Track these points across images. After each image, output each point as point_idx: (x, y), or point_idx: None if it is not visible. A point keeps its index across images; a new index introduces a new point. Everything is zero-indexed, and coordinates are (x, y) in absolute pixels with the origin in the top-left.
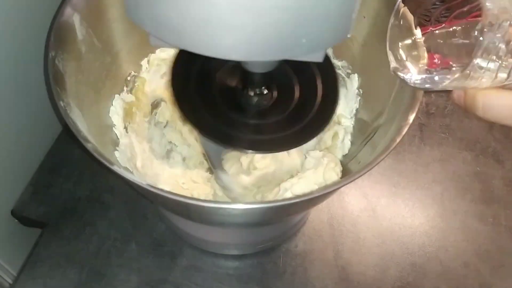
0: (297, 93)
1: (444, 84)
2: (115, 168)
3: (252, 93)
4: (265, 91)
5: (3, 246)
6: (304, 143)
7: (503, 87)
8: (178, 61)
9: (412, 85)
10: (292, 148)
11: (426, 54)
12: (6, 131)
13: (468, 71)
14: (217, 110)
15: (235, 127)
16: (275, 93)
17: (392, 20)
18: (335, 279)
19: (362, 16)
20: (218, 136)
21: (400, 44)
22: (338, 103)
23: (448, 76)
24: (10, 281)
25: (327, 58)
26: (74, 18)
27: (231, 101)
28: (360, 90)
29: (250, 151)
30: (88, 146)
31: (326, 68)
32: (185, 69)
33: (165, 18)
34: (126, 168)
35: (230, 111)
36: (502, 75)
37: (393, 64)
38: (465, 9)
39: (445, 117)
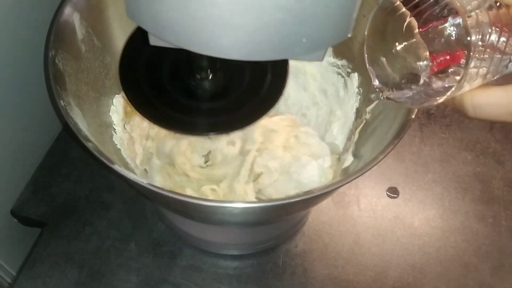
0: (247, 76)
1: (442, 94)
2: (115, 167)
3: (202, 78)
4: (214, 75)
5: (2, 245)
6: (260, 118)
7: (487, 84)
8: (125, 53)
9: (407, 103)
10: (247, 126)
11: (428, 54)
12: (6, 131)
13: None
14: (169, 98)
15: (190, 113)
16: (225, 77)
17: (370, 29)
18: (335, 279)
19: (362, 15)
20: (175, 125)
21: (393, 50)
22: (287, 81)
23: (445, 84)
24: (9, 280)
25: None
26: (74, 17)
27: (182, 88)
28: (360, 89)
29: (211, 133)
30: (89, 146)
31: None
32: (133, 59)
33: (165, 17)
34: (126, 167)
35: (182, 98)
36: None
37: (376, 82)
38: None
39: (445, 117)
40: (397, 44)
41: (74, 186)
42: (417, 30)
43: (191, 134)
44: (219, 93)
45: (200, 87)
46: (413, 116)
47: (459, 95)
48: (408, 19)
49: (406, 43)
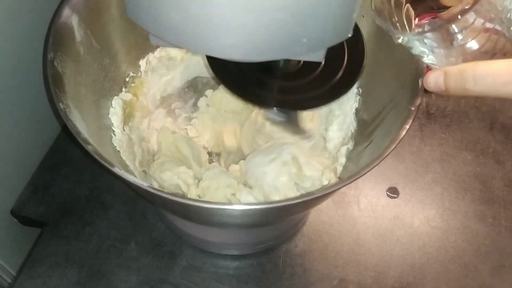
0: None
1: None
2: (115, 170)
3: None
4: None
5: (2, 245)
6: (326, 103)
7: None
8: None
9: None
10: (314, 108)
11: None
12: (6, 131)
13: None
14: (248, 72)
15: (263, 87)
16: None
17: None
18: (335, 279)
19: (361, 16)
20: (248, 95)
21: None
22: (363, 69)
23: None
24: (9, 280)
25: (356, 29)
26: (73, 19)
27: (260, 64)
28: (360, 89)
29: (276, 108)
30: (88, 148)
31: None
32: None
33: (166, 17)
34: (126, 169)
35: (259, 73)
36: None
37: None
38: None
39: (445, 117)
40: None
41: (74, 186)
42: None
43: (259, 106)
44: (294, 73)
45: (277, 66)
46: (413, 116)
47: (458, 67)
48: None
49: None
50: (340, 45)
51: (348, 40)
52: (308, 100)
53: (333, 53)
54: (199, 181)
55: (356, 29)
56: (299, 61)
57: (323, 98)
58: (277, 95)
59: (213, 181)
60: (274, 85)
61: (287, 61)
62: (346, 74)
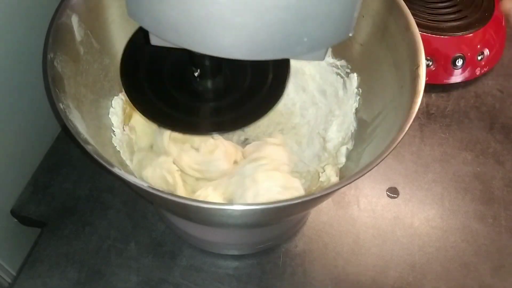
0: (248, 76)
1: None
2: (115, 170)
3: (204, 77)
4: (216, 75)
5: (2, 245)
6: (260, 118)
7: None
8: (126, 54)
9: None
10: (249, 125)
11: None
12: (5, 131)
13: None
14: (171, 98)
15: (193, 113)
16: (227, 76)
17: None
18: (335, 279)
19: (361, 15)
20: (180, 125)
21: None
22: (288, 82)
23: None
24: (9, 280)
25: None
26: (73, 19)
27: (183, 88)
28: (360, 89)
29: (215, 133)
30: (88, 148)
31: None
32: (134, 60)
33: (167, 16)
34: (125, 169)
35: (185, 98)
36: None
37: None
38: None
39: (445, 117)
40: None
41: (74, 186)
42: None
43: (194, 134)
44: (221, 93)
45: (202, 87)
46: (413, 116)
47: None
48: None
49: None
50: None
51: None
52: (243, 117)
53: (257, 69)
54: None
55: None
56: (223, 80)
57: (258, 112)
58: (211, 119)
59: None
60: (205, 109)
61: (215, 82)
62: (274, 86)
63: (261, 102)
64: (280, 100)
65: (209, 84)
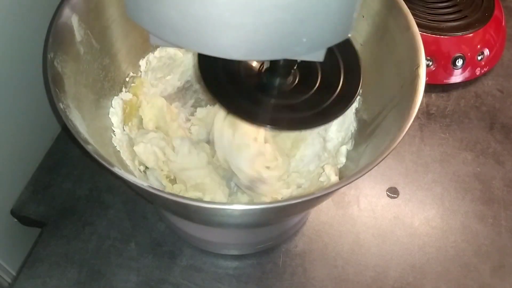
0: (319, 78)
1: None
2: (115, 169)
3: (274, 75)
4: (287, 75)
5: (2, 245)
6: (320, 125)
7: None
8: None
9: None
10: (308, 129)
11: None
12: (5, 131)
13: None
14: (243, 89)
15: (257, 105)
16: (297, 77)
17: None
18: (335, 279)
19: (361, 15)
20: (242, 112)
21: None
22: (359, 91)
23: None
24: (9, 280)
25: (350, 45)
26: (73, 19)
27: (255, 82)
28: (360, 89)
29: (269, 126)
30: (88, 148)
31: (349, 55)
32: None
33: (166, 16)
34: (125, 169)
35: (254, 91)
36: None
37: None
38: None
39: (445, 117)
40: None
41: (74, 186)
42: None
43: (251, 122)
44: (288, 92)
45: (270, 83)
46: (413, 116)
47: None
48: None
49: None
50: (337, 65)
51: (346, 61)
52: (300, 121)
53: (330, 72)
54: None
55: (354, 51)
56: (294, 80)
57: (314, 120)
58: (271, 113)
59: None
60: (268, 103)
61: (282, 80)
62: (340, 97)
63: (322, 111)
64: (340, 115)
65: (277, 81)
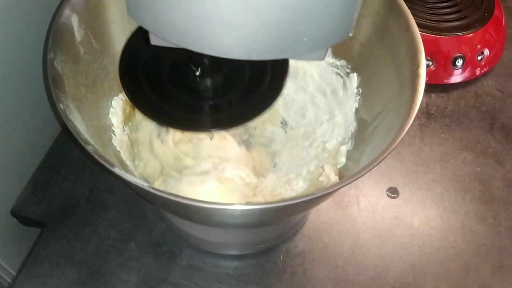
0: (247, 74)
1: None
2: (116, 170)
3: (205, 76)
4: (215, 73)
5: (2, 245)
6: (258, 115)
7: None
8: (125, 53)
9: None
10: (247, 122)
11: None
12: (5, 131)
13: None
14: (171, 96)
15: (192, 111)
16: (225, 75)
17: None
18: (335, 279)
19: (361, 15)
20: (179, 122)
21: None
22: (286, 79)
23: None
24: (9, 280)
25: None
26: (73, 19)
27: (182, 86)
28: (360, 89)
29: (214, 130)
30: (89, 149)
31: None
32: (133, 59)
33: (166, 16)
34: (126, 169)
35: (184, 96)
36: None
37: None
38: None
39: (445, 117)
40: None
41: (74, 186)
42: None
43: (194, 131)
44: (220, 91)
45: (201, 85)
46: (413, 116)
47: None
48: None
49: None
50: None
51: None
52: (240, 115)
53: (256, 67)
54: None
55: None
56: (224, 77)
57: (256, 109)
58: (211, 116)
59: None
60: (204, 107)
61: (214, 80)
62: (272, 83)
63: (259, 100)
64: (278, 97)
65: (208, 82)
